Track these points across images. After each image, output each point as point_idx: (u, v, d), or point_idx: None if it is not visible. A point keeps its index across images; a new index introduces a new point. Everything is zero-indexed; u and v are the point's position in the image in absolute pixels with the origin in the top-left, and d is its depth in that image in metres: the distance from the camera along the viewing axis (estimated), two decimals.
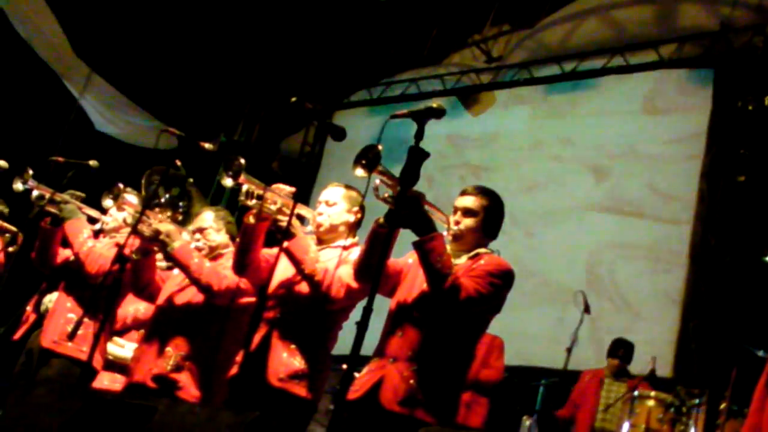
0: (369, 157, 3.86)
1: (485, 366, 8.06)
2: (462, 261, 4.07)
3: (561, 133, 11.05)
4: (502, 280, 3.98)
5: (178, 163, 5.37)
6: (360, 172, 3.86)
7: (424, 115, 3.70)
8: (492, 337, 8.08)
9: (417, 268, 4.00)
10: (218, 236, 5.25)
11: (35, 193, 5.80)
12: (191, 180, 4.78)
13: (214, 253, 5.21)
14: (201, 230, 5.26)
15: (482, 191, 4.20)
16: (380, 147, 3.85)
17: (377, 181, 3.92)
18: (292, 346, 4.40)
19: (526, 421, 8.29)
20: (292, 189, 4.58)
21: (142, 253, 5.15)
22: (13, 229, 6.54)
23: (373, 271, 3.68)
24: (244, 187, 4.56)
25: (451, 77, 12.36)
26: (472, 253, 4.10)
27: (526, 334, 8.90)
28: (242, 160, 4.50)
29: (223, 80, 11.81)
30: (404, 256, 4.24)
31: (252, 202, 4.55)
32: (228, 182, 4.53)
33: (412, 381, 3.85)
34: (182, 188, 5.30)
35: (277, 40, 11.62)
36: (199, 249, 5.16)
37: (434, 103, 3.75)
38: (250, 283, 4.85)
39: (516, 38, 12.01)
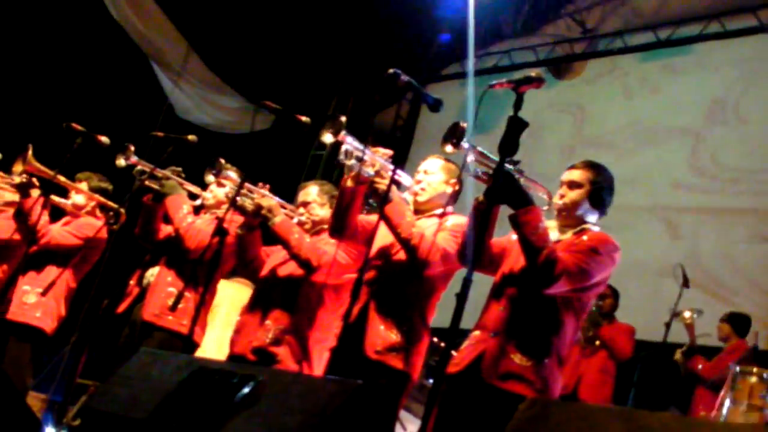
0: (456, 135, 3.86)
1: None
2: (567, 236, 4.02)
3: (656, 101, 10.87)
4: (605, 256, 3.91)
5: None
6: (449, 149, 3.87)
7: (524, 84, 3.61)
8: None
9: None
10: (322, 211, 5.24)
11: (137, 168, 5.93)
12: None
13: (317, 228, 5.21)
14: (305, 204, 5.27)
15: (590, 165, 4.14)
16: (464, 124, 3.87)
17: (469, 159, 3.91)
18: (389, 319, 4.41)
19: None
20: (390, 152, 4.56)
21: (246, 229, 5.20)
22: (116, 206, 6.67)
23: (474, 246, 3.65)
24: (343, 147, 4.51)
25: (543, 48, 12.23)
26: (578, 228, 4.04)
27: (624, 307, 8.77)
28: (343, 118, 4.46)
29: (315, 57, 11.85)
30: (508, 234, 4.19)
31: (350, 162, 4.51)
32: (328, 138, 4.49)
33: (513, 355, 3.83)
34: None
35: (369, 14, 11.61)
36: (302, 223, 5.17)
37: (533, 72, 3.68)
38: (348, 255, 4.87)
39: (610, 7, 11.83)
